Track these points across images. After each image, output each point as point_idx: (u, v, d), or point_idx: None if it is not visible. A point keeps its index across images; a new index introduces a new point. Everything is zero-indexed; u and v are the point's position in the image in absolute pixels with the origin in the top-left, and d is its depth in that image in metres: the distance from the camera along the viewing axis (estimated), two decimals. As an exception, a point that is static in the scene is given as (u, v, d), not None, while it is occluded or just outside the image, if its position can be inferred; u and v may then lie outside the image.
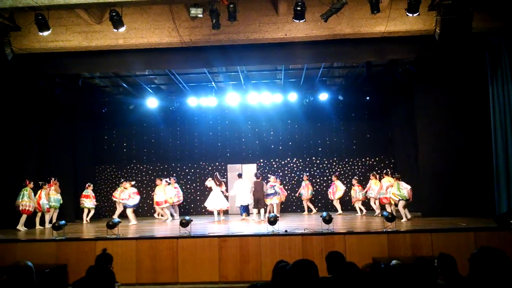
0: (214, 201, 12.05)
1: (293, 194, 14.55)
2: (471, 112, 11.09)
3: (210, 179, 12.32)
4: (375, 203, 12.27)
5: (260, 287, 1.70)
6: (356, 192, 12.85)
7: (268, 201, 11.90)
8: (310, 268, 2.96)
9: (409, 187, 10.53)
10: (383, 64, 12.38)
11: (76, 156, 13.74)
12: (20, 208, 10.55)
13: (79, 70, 11.08)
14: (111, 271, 4.27)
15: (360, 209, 12.86)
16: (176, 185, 12.98)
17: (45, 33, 8.31)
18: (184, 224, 8.71)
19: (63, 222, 9.05)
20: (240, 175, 12.77)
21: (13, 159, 11.53)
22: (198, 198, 15.19)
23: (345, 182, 14.46)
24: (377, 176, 12.37)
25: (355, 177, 13.66)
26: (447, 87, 11.42)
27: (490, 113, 9.76)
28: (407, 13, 8.05)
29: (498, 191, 9.57)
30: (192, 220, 8.91)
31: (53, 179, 11.56)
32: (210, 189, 12.29)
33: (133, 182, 12.37)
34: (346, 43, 9.49)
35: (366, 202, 12.91)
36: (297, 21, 8.27)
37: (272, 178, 12.23)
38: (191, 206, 15.13)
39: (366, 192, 12.51)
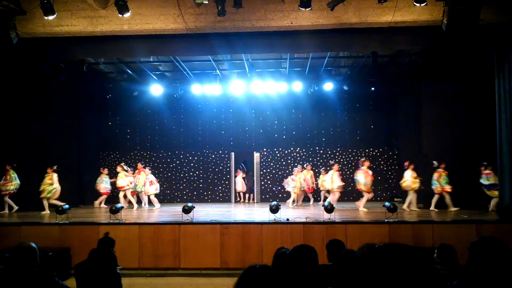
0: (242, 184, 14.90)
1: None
2: (476, 104, 11.02)
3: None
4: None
5: (259, 268, 1.71)
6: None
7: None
8: (310, 253, 2.98)
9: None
10: (389, 55, 12.29)
11: (80, 142, 13.80)
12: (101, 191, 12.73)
13: (83, 56, 11.05)
14: (113, 254, 4.33)
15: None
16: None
17: (50, 17, 8.27)
18: (186, 210, 8.76)
19: (67, 206, 9.12)
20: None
21: (18, 144, 11.61)
22: (200, 185, 15.27)
23: (347, 172, 14.49)
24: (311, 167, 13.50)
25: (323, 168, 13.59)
26: (454, 79, 11.34)
27: (496, 105, 9.69)
28: (414, 2, 7.96)
29: (502, 184, 9.53)
30: (194, 207, 8.97)
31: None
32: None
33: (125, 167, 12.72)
34: (352, 32, 9.39)
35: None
36: (303, 9, 8.20)
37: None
38: (194, 194, 15.20)
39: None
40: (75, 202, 12.61)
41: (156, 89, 13.81)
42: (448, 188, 10.83)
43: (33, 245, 3.30)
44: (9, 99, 11.57)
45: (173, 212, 10.85)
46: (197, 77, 13.70)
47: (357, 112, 15.18)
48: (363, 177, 11.16)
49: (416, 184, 10.98)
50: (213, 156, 15.40)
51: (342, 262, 3.43)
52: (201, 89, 13.74)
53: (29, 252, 3.22)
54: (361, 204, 11.09)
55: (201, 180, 15.31)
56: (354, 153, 15.04)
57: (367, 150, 14.96)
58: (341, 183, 11.90)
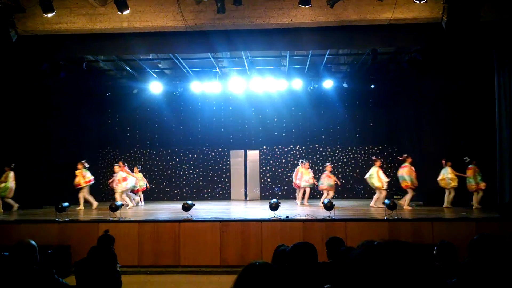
0: None
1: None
2: (476, 101, 11.01)
3: None
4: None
5: (259, 265, 1.70)
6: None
7: None
8: (309, 250, 2.98)
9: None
10: (389, 52, 12.27)
11: (80, 140, 13.78)
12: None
13: (83, 53, 11.04)
14: (113, 252, 4.32)
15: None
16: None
17: (49, 15, 8.26)
18: (186, 208, 8.77)
19: (66, 204, 9.12)
20: None
21: (18, 142, 11.60)
22: (200, 183, 15.27)
23: (347, 170, 14.51)
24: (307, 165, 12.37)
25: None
26: (453, 76, 11.33)
27: (495, 103, 9.68)
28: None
29: (502, 181, 9.53)
30: (194, 205, 8.99)
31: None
32: None
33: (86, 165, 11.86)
34: (352, 30, 9.37)
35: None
36: (303, 6, 8.18)
37: None
38: (193, 191, 15.20)
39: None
40: (74, 200, 12.60)
41: (155, 87, 13.79)
42: (482, 185, 10.45)
43: (33, 242, 3.31)
44: (8, 97, 11.54)
45: (172, 209, 10.86)
46: (197, 75, 13.68)
47: (356, 109, 15.16)
48: (407, 173, 10.89)
49: (454, 182, 10.67)
50: (212, 153, 15.39)
51: (341, 260, 3.43)
52: (201, 87, 13.72)
53: (29, 249, 3.22)
54: (405, 202, 10.83)
55: (201, 178, 15.31)
56: (353, 151, 15.03)
57: (366, 148, 14.96)
58: (387, 179, 11.41)
